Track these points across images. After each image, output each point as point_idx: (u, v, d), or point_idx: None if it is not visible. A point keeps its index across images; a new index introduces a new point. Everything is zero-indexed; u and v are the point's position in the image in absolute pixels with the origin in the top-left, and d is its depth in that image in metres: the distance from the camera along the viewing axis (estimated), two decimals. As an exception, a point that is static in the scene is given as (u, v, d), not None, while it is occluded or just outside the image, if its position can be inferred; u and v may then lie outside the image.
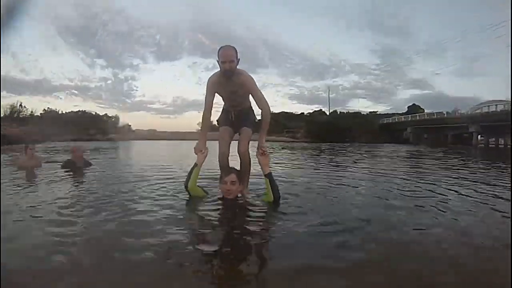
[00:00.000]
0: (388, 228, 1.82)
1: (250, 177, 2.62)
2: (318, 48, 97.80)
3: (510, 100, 28.27)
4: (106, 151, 10.95)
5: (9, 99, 37.24)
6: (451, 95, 71.18)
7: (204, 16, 73.89)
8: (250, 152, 2.51)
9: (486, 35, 53.95)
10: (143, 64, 76.52)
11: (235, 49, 2.27)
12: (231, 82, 2.33)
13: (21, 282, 1.18)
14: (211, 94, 2.40)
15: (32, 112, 37.15)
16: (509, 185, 3.49)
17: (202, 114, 2.46)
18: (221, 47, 2.27)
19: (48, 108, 40.97)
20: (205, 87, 2.38)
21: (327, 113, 44.83)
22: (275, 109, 44.13)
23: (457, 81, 67.09)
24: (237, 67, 2.31)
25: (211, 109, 2.44)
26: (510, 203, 2.54)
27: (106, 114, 43.87)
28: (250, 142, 2.52)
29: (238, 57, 2.28)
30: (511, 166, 7.64)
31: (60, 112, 40.11)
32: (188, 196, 2.44)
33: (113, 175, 3.94)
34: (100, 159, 6.74)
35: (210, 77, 2.40)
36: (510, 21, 23.65)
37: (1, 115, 31.36)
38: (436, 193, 2.92)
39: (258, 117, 2.63)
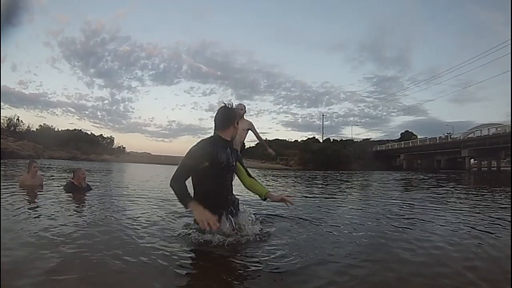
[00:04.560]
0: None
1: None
2: (313, 76, 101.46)
3: (502, 123, 28.59)
4: (101, 173, 10.93)
5: (6, 112, 36.90)
6: (444, 120, 72.19)
7: (202, 41, 76.87)
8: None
9: (480, 61, 55.82)
10: (140, 87, 78.05)
11: (245, 105, 4.06)
12: (240, 122, 3.45)
13: None
14: None
15: (28, 127, 36.98)
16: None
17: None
18: (237, 104, 3.74)
19: (45, 124, 40.92)
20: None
21: (321, 141, 45.40)
22: (270, 136, 46.10)
23: (450, 107, 67.81)
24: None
25: None
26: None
27: (101, 134, 44.03)
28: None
29: (245, 110, 4.03)
30: (511, 184, 7.91)
31: (56, 130, 40.05)
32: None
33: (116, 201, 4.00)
34: (97, 182, 6.78)
35: None
36: (510, 40, 24.66)
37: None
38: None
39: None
